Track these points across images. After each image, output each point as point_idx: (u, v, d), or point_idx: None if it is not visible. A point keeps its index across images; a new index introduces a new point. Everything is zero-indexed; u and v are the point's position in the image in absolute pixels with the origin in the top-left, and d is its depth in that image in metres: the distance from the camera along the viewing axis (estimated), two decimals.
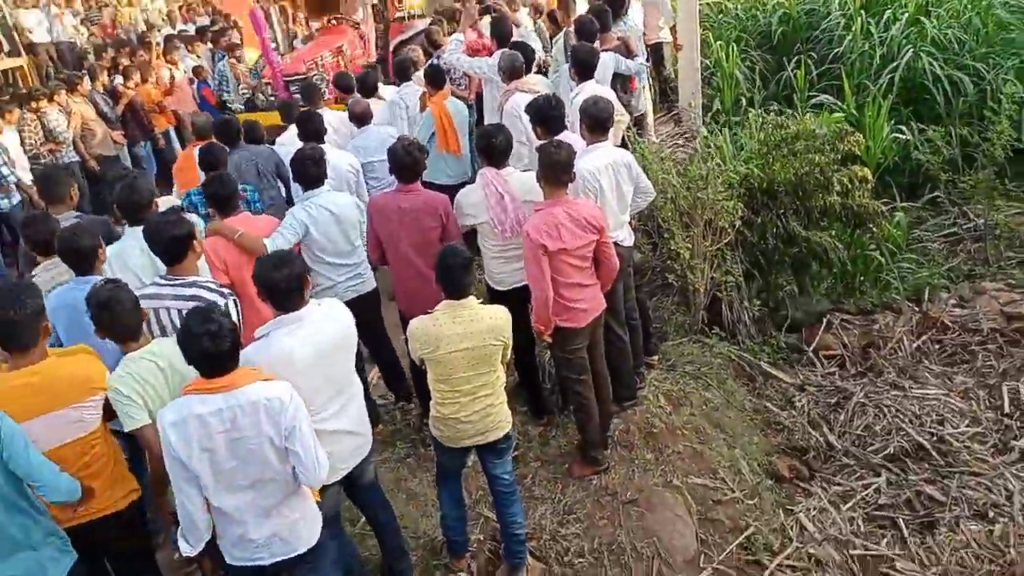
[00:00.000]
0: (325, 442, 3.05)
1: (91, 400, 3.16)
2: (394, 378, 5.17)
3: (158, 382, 3.21)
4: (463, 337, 3.50)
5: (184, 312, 3.09)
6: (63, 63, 13.71)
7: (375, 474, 3.75)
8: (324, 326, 3.23)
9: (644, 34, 8.20)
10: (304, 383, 3.05)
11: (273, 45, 10.92)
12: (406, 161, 4.44)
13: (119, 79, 10.59)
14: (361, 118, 6.22)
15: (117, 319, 3.21)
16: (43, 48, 13.44)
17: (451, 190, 6.31)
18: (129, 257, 4.04)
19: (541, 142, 4.27)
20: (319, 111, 6.23)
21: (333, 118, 6.48)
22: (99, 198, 8.94)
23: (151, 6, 16.70)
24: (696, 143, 7.32)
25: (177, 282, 3.67)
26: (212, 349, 2.77)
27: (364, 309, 4.52)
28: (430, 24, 8.83)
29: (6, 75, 12.82)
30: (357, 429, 3.43)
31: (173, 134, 10.89)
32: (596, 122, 4.46)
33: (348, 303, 3.68)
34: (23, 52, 13.29)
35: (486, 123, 7.11)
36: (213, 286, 3.73)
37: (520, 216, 4.25)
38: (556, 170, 3.97)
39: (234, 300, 3.71)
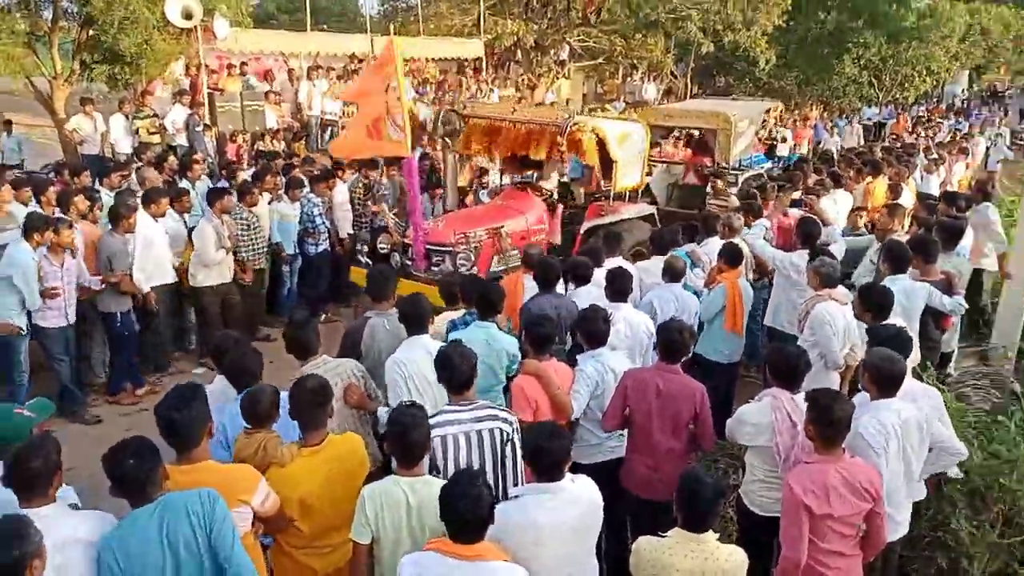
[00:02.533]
0: None
1: (236, 511, 3.20)
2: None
3: (396, 516, 3.27)
4: (694, 574, 3.22)
5: (476, 436, 3.58)
6: None
7: None
8: (577, 502, 3.29)
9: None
10: (549, 553, 3.18)
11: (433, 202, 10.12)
12: (677, 343, 4.40)
13: None
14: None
15: (409, 442, 3.30)
16: None
17: (724, 369, 6.25)
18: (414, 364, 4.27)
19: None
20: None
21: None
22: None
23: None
24: (1006, 396, 6.43)
25: (471, 407, 3.79)
26: (471, 514, 2.81)
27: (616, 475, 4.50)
28: (731, 214, 8.34)
29: None
30: None
31: None
32: (886, 379, 3.94)
33: (604, 463, 4.18)
34: None
35: (767, 316, 6.85)
36: (508, 415, 3.84)
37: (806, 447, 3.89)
38: (836, 428, 3.56)
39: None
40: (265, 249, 8.51)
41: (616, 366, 4.62)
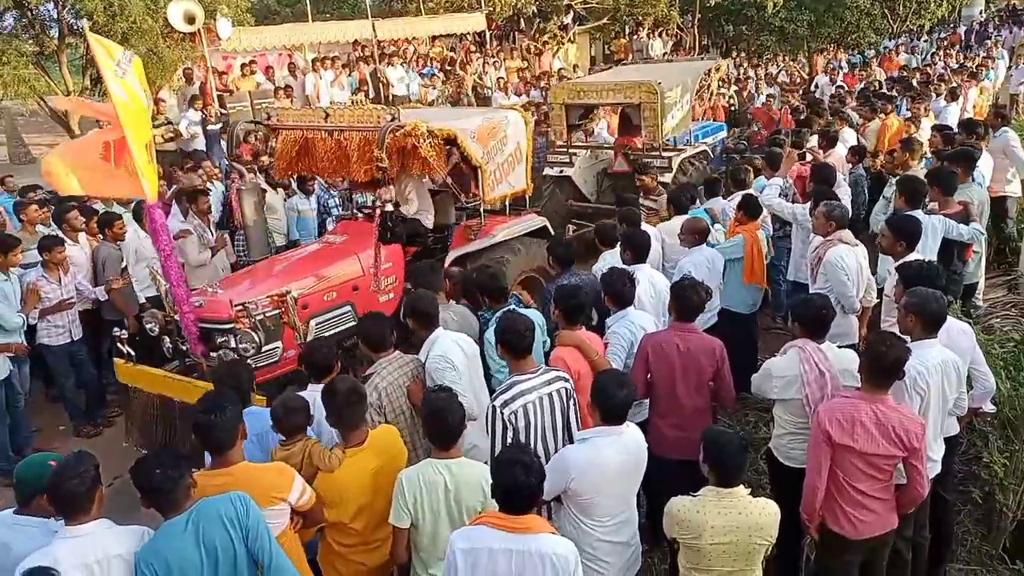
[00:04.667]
0: (610, 552, 3.59)
1: (273, 508, 3.29)
2: None
3: (434, 498, 3.38)
4: (727, 530, 3.30)
5: (548, 398, 3.79)
6: None
7: None
8: (635, 445, 3.65)
9: (989, 186, 7.41)
10: (607, 490, 3.53)
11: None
12: (693, 301, 4.46)
13: None
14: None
15: (445, 427, 3.43)
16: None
17: (744, 320, 6.29)
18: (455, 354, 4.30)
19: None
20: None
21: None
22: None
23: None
24: None
25: (538, 372, 3.94)
26: (524, 482, 2.90)
27: None
28: (741, 164, 8.08)
29: None
30: (631, 541, 3.73)
31: None
32: (929, 319, 3.94)
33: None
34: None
35: (789, 271, 6.86)
36: (566, 373, 4.02)
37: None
38: (888, 372, 3.59)
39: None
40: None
41: (646, 324, 4.69)
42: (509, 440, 3.76)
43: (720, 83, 14.68)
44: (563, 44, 22.11)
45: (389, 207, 6.22)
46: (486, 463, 3.56)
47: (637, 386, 4.44)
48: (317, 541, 3.76)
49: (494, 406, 3.83)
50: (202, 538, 2.96)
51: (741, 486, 3.39)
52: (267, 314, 5.60)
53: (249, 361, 5.24)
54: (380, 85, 15.85)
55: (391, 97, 15.74)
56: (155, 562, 2.90)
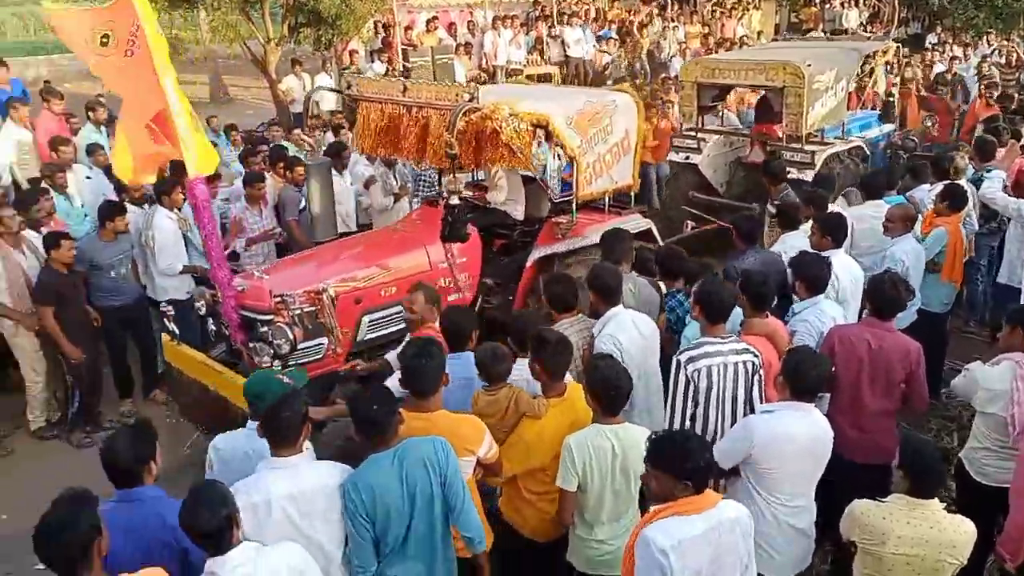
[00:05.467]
0: (785, 543, 3.52)
1: (463, 459, 3.34)
2: None
3: (603, 463, 3.41)
4: (916, 542, 3.10)
5: (734, 367, 3.79)
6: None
7: None
8: (821, 428, 3.56)
9: None
10: (792, 467, 3.47)
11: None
12: (891, 297, 4.18)
13: None
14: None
15: (616, 392, 3.45)
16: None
17: (937, 319, 5.86)
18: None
19: None
20: None
21: None
22: None
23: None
24: None
25: (728, 339, 3.93)
26: (702, 459, 2.85)
27: None
28: (953, 151, 7.21)
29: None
30: (808, 531, 3.64)
31: None
32: None
33: None
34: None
35: (1002, 273, 6.31)
36: (756, 349, 3.98)
37: None
38: None
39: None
40: None
41: (836, 315, 4.47)
42: (689, 398, 3.77)
43: (889, 67, 11.89)
44: (748, 10, 21.10)
45: (455, 200, 5.23)
46: None
47: None
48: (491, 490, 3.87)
49: (679, 360, 3.84)
50: (405, 476, 3.08)
51: (936, 499, 3.18)
52: (305, 310, 5.10)
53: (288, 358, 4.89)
54: (560, 44, 15.80)
55: (566, 58, 15.69)
56: (363, 490, 3.04)
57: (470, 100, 5.24)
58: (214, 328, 5.43)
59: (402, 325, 5.18)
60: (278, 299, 5.01)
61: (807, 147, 8.20)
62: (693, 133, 9.18)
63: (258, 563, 2.67)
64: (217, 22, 12.70)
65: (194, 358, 5.24)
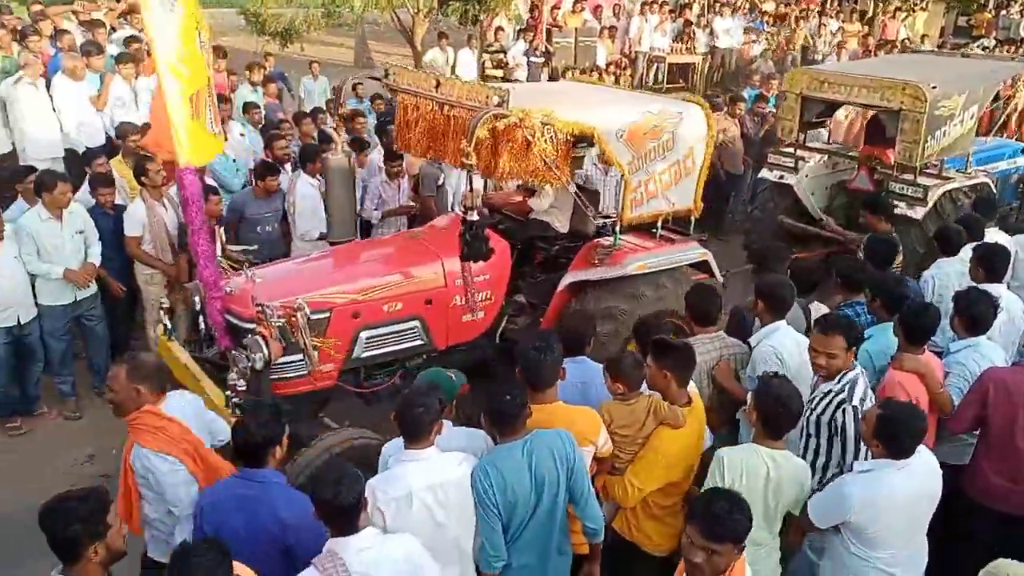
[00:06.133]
0: None
1: (584, 450, 3.34)
2: None
3: (754, 485, 3.25)
4: None
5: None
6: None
7: None
8: (924, 470, 3.30)
9: None
10: (893, 522, 3.25)
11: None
12: None
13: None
14: None
15: (783, 412, 3.32)
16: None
17: None
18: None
19: None
20: None
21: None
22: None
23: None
24: None
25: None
26: None
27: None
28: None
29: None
30: None
31: None
32: None
33: None
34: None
35: None
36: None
37: None
38: None
39: None
40: None
41: (996, 359, 4.15)
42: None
43: None
44: (914, 11, 19.82)
45: (474, 215, 4.56)
46: None
47: (965, 419, 4.04)
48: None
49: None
50: (535, 467, 3.13)
51: None
52: (285, 323, 4.49)
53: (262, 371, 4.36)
54: (708, 34, 15.36)
55: (713, 48, 15.22)
56: (494, 476, 3.08)
57: (499, 104, 4.62)
58: (203, 328, 4.95)
59: (405, 344, 4.98)
60: (259, 308, 4.43)
61: (920, 180, 7.21)
62: (791, 150, 8.05)
63: (381, 548, 2.73)
64: None
65: (179, 358, 4.81)
